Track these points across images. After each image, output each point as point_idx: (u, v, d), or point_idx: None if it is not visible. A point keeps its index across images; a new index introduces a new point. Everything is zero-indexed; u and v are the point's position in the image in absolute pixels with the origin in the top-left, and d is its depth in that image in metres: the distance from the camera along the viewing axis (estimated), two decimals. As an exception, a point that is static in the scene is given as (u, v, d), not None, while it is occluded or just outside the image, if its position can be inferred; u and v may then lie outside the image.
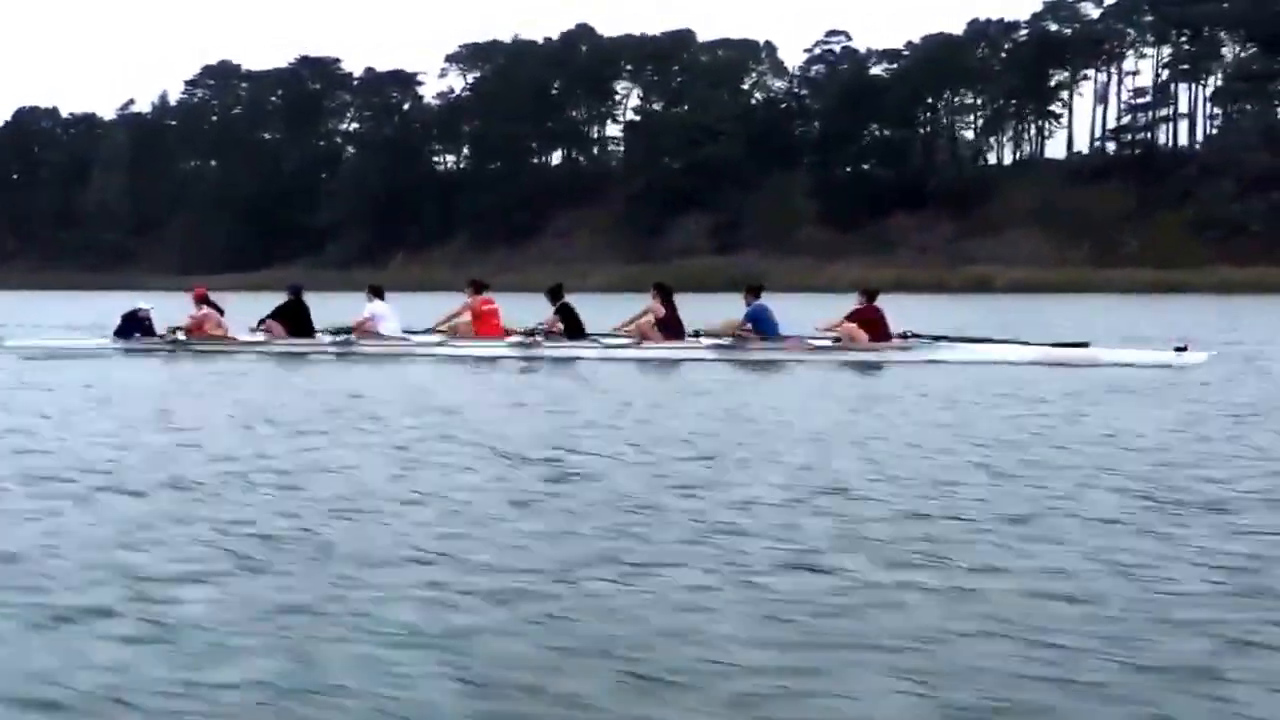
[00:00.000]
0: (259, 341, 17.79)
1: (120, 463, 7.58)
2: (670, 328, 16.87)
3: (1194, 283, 61.54)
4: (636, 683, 3.72)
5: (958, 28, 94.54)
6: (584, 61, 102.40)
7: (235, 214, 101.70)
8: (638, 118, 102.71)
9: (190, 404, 11.25)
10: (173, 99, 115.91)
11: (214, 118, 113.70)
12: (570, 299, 17.72)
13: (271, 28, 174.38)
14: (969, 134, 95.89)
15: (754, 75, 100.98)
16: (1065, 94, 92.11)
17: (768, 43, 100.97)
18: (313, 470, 7.33)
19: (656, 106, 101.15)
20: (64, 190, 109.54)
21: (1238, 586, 4.75)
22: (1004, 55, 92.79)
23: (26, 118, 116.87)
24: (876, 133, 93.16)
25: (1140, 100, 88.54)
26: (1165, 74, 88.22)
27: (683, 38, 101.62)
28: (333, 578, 4.85)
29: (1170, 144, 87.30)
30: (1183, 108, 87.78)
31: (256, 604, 4.50)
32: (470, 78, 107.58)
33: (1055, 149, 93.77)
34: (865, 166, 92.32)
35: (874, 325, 16.18)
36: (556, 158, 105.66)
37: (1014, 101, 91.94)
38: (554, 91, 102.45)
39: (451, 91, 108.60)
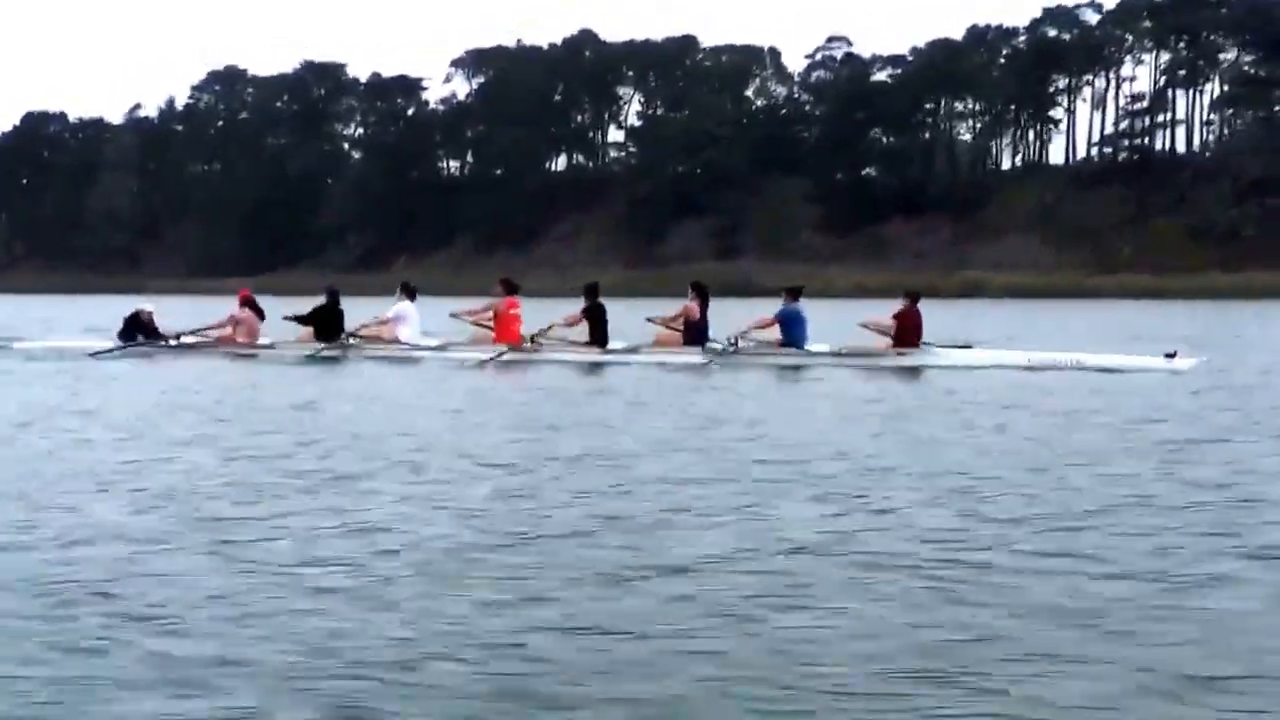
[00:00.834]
0: (261, 345, 17.75)
1: None
2: (696, 331, 16.57)
3: (1190, 288, 61.84)
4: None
5: (957, 33, 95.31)
6: (587, 67, 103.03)
7: (241, 217, 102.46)
8: (640, 123, 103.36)
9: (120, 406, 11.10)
10: (179, 103, 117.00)
11: (220, 122, 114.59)
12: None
13: (277, 33, 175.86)
14: (968, 139, 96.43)
15: (756, 81, 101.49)
16: (1064, 100, 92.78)
17: (771, 48, 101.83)
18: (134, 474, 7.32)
19: (659, 112, 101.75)
20: (72, 193, 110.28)
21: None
22: (1003, 61, 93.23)
23: (35, 122, 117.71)
24: (876, 138, 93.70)
25: (1138, 106, 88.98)
26: (1163, 80, 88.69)
27: (685, 43, 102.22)
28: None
29: (1168, 150, 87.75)
30: (1180, 114, 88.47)
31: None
32: (474, 83, 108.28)
33: (1054, 155, 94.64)
34: (865, 172, 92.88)
35: (912, 331, 16.40)
36: (559, 163, 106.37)
37: (1013, 107, 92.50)
38: (557, 97, 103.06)
39: (455, 96, 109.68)
